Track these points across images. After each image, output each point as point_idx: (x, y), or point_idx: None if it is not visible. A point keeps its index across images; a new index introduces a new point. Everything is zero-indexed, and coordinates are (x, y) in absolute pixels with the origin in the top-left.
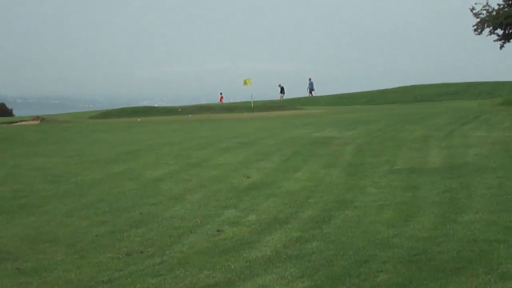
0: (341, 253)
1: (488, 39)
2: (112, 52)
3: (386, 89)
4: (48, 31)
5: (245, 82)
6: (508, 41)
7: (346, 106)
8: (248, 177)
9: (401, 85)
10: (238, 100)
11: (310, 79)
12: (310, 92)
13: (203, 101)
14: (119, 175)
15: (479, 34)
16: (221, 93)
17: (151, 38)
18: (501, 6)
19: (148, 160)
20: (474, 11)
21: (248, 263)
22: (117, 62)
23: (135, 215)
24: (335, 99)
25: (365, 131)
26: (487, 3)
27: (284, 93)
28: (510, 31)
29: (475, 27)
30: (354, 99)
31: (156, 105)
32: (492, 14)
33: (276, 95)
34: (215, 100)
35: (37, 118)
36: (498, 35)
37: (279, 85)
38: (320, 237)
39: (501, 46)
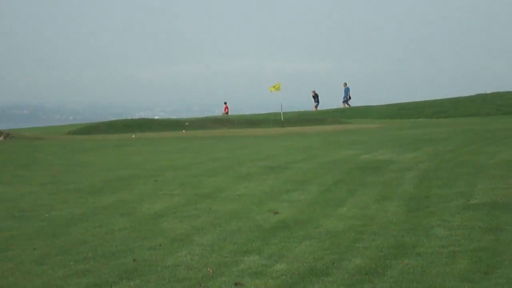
0: None
1: None
2: (99, 48)
3: (460, 97)
4: (16, 21)
5: (273, 88)
6: None
7: (406, 120)
8: (276, 213)
9: (480, 92)
10: (263, 111)
11: (345, 84)
12: (346, 102)
13: (219, 112)
14: (107, 209)
15: None
16: (225, 103)
17: (151, 29)
18: None
19: (145, 190)
20: None
21: None
22: (106, 61)
23: (127, 262)
24: (391, 110)
25: (432, 153)
26: None
27: (318, 102)
28: None
29: None
30: (416, 110)
31: (156, 117)
32: None
33: (311, 105)
34: (233, 109)
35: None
36: None
37: (313, 92)
38: None
39: None
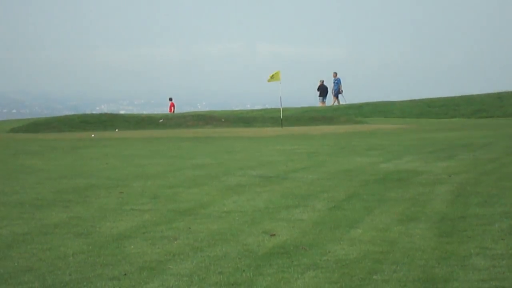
0: None
1: None
2: (51, 24)
3: (506, 92)
4: None
5: (272, 77)
6: None
7: (436, 120)
8: (273, 235)
9: None
10: (258, 107)
11: (335, 74)
12: (336, 96)
13: (202, 106)
14: (58, 227)
15: None
16: (170, 99)
17: (116, 2)
18: None
19: (107, 204)
20: None
21: None
22: (59, 40)
23: None
24: (418, 107)
25: (470, 162)
26: None
27: (325, 96)
28: None
29: None
30: (450, 107)
31: (122, 112)
32: None
33: (317, 99)
34: (219, 104)
35: None
36: None
37: (320, 83)
38: None
39: None
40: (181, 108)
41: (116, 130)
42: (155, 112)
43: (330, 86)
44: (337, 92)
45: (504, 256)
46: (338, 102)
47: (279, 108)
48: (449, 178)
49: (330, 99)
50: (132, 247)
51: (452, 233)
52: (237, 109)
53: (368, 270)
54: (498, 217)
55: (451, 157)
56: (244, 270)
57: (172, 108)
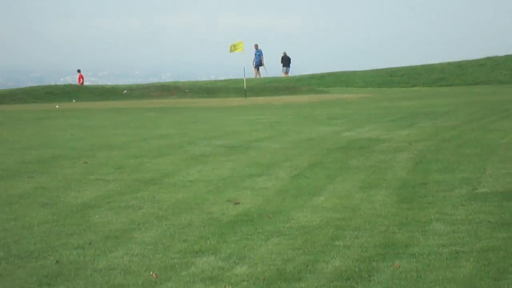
0: None
1: None
2: None
3: (466, 60)
4: None
5: (233, 48)
6: None
7: (398, 89)
8: (237, 203)
9: (490, 54)
10: (221, 78)
11: (257, 46)
12: (257, 68)
13: (167, 77)
14: (23, 198)
15: None
16: (79, 71)
17: None
18: None
19: (72, 174)
20: None
21: None
22: (22, 12)
23: (48, 264)
24: (379, 77)
25: (430, 130)
26: None
27: (289, 66)
28: None
29: None
30: (411, 76)
31: (87, 83)
32: None
33: (280, 70)
34: (184, 74)
35: None
36: None
37: (283, 54)
38: None
39: None
40: (146, 79)
41: (73, 100)
42: (119, 83)
43: (252, 58)
44: (258, 64)
45: (463, 222)
46: (259, 74)
47: (243, 79)
48: (410, 145)
49: (293, 70)
50: (97, 216)
51: (412, 199)
52: (201, 80)
53: (330, 236)
54: (458, 183)
55: (412, 125)
56: (208, 238)
57: (81, 79)
